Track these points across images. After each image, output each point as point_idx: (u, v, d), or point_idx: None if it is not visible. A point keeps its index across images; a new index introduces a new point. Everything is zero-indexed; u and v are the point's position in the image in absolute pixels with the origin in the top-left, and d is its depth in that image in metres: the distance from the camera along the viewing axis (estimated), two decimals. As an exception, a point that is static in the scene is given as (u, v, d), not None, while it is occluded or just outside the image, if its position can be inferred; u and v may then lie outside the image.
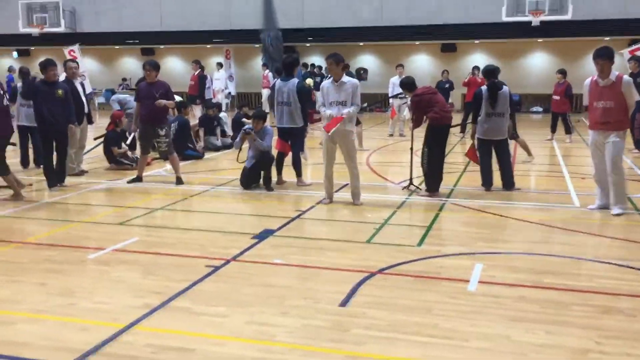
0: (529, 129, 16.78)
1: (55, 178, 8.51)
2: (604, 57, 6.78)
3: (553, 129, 14.45)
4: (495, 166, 8.39)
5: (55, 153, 8.63)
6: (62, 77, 9.54)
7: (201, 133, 12.59)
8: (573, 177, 9.34)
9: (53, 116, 8.32)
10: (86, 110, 9.91)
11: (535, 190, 8.67)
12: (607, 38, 20.67)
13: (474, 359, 3.50)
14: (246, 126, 8.89)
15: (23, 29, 25.43)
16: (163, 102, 8.62)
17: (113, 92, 13.63)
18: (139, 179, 9.06)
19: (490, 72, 8.41)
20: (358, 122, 8.92)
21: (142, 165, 9.19)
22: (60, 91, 8.45)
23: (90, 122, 10.26)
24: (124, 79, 26.86)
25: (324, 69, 23.00)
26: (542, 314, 4.12)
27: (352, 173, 7.47)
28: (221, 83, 20.97)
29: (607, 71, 6.80)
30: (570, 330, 3.87)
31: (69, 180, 8.95)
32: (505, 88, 8.30)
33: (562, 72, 14.27)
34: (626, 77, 6.89)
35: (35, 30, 25.52)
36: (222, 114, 13.80)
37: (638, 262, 5.21)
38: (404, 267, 5.11)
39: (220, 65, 21.64)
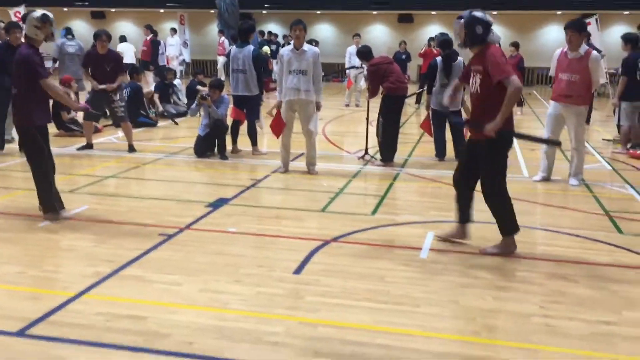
0: (482, 101, 17.05)
1: None
2: (572, 28, 6.80)
3: (505, 101, 14.70)
4: (448, 136, 8.52)
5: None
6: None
7: (156, 99, 12.32)
8: (523, 148, 9.56)
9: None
10: None
11: (487, 161, 8.84)
12: (559, 12, 21.05)
13: (424, 323, 3.60)
14: (203, 92, 8.74)
15: (-36, -12, 24.16)
16: (113, 86, 8.44)
17: (68, 32, 12.65)
18: (89, 145, 8.83)
19: (445, 43, 8.47)
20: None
21: (89, 130, 8.93)
22: None
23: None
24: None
25: (280, 36, 22.76)
26: (490, 280, 4.26)
27: (308, 143, 7.47)
28: (175, 49, 20.40)
29: (575, 42, 6.80)
30: (516, 295, 4.02)
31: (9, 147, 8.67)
32: (459, 59, 8.38)
33: (515, 45, 14.48)
34: (595, 53, 6.92)
35: (-23, -11, 24.28)
36: (177, 81, 13.51)
37: (583, 231, 5.42)
38: (357, 236, 5.18)
39: (174, 30, 21.04)
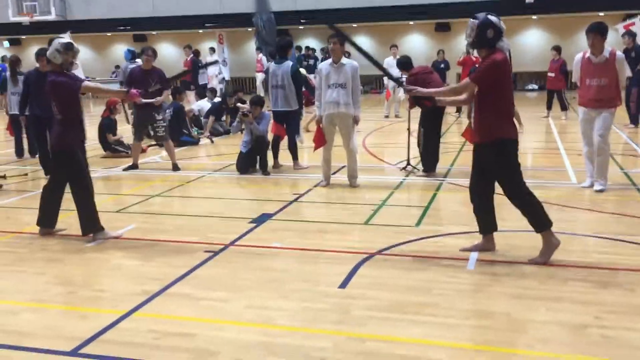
0: (525, 107, 16.74)
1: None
2: (595, 31, 6.65)
3: (549, 106, 14.44)
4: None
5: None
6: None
7: (211, 121, 12.44)
8: (569, 153, 9.34)
9: (43, 106, 8.18)
10: None
11: (532, 168, 8.65)
12: (602, 13, 20.57)
13: (476, 337, 3.52)
14: (244, 109, 8.84)
15: (13, 18, 25.17)
16: (160, 99, 8.60)
17: (134, 55, 13.44)
18: (134, 166, 9.02)
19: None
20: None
21: (137, 151, 9.14)
22: None
23: None
24: (117, 67, 26.62)
25: (317, 51, 22.89)
26: (542, 291, 4.14)
27: (349, 155, 7.45)
28: (215, 68, 20.80)
29: (598, 46, 6.68)
30: (569, 306, 3.89)
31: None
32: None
33: (557, 49, 14.23)
34: (619, 52, 6.82)
35: (25, 19, 25.26)
36: (217, 99, 13.73)
37: (634, 237, 5.23)
38: (402, 248, 5.12)
39: (212, 50, 21.45)
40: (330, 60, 7.29)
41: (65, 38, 5.56)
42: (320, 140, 7.40)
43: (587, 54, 6.84)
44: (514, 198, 4.70)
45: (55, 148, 5.57)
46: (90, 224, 5.52)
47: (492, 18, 4.50)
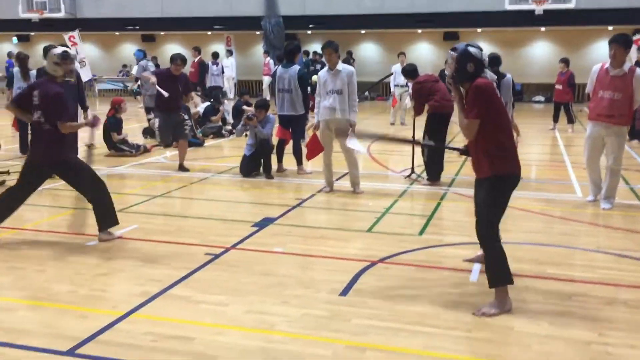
0: (531, 119, 16.72)
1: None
2: (618, 43, 6.44)
3: (555, 119, 14.38)
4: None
5: None
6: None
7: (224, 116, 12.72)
8: (575, 166, 9.28)
9: None
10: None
11: (538, 180, 8.62)
12: (611, 27, 20.52)
13: (477, 349, 3.47)
14: (249, 113, 8.83)
15: (23, 14, 25.27)
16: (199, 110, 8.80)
17: (145, 54, 13.99)
18: (182, 167, 8.93)
19: (493, 60, 8.31)
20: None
21: (183, 152, 9.01)
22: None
23: (83, 108, 10.17)
24: (124, 66, 26.70)
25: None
26: (546, 305, 4.09)
27: (349, 161, 7.42)
28: (231, 71, 21.01)
29: (620, 58, 6.47)
30: (573, 321, 3.84)
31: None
32: (508, 76, 8.22)
33: (565, 61, 14.18)
34: (639, 70, 6.56)
35: (35, 16, 25.35)
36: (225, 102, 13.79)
37: (641, 253, 5.17)
38: (405, 257, 5.07)
39: (230, 52, 21.71)
40: (327, 67, 7.31)
41: (58, 48, 5.47)
42: (315, 148, 7.36)
43: (606, 65, 6.62)
44: (485, 238, 4.07)
45: (53, 160, 5.37)
46: (110, 219, 5.50)
47: (472, 50, 4.01)
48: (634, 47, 13.01)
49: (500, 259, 4.00)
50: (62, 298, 4.19)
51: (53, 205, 6.94)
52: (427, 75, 8.36)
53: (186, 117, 9.03)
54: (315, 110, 7.47)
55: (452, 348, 3.48)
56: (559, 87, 14.16)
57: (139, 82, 12.32)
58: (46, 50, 8.43)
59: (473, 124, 3.95)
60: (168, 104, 8.77)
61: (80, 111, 8.94)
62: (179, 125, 8.89)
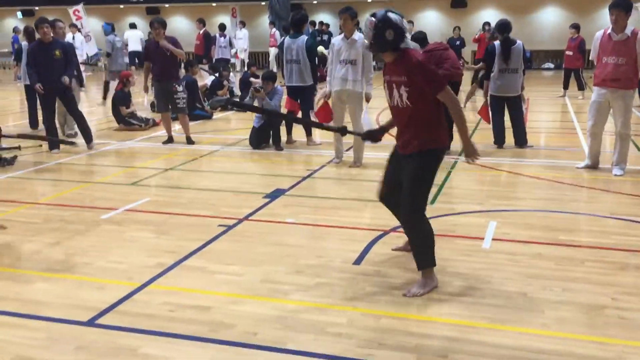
0: (541, 86, 16.55)
1: (56, 140, 8.19)
2: (619, 7, 6.42)
3: (565, 86, 14.23)
4: (507, 123, 8.29)
5: (67, 115, 8.58)
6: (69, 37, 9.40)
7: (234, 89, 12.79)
8: (585, 133, 9.20)
9: (51, 77, 8.04)
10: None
11: (548, 147, 8.57)
12: (622, -9, 20.16)
13: (490, 315, 3.50)
14: (256, 84, 8.79)
15: (27, -11, 25.12)
16: (169, 46, 8.50)
17: (112, 28, 14.23)
18: (170, 139, 8.95)
19: (504, 27, 8.22)
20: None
21: (168, 124, 9.01)
22: (57, 51, 8.13)
23: (80, 84, 10.10)
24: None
25: (332, 26, 22.65)
26: (558, 271, 4.11)
27: (356, 140, 7.34)
28: (244, 42, 20.80)
29: (622, 23, 6.46)
30: (586, 286, 3.86)
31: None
32: (519, 43, 8.14)
33: (576, 27, 13.97)
34: None
35: (38, -10, 25.19)
36: (231, 74, 13.70)
37: (654, 219, 5.17)
38: (417, 226, 5.08)
39: (242, 23, 21.49)
40: (343, 35, 7.18)
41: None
42: (325, 117, 7.25)
43: (608, 31, 6.63)
44: (409, 220, 3.90)
45: None
46: None
47: (392, 16, 3.67)
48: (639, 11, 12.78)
49: (430, 239, 3.85)
50: (78, 270, 4.24)
51: (64, 179, 6.99)
52: (437, 43, 8.25)
53: (180, 89, 8.71)
54: (328, 78, 7.37)
55: (466, 314, 3.51)
56: (569, 53, 13.98)
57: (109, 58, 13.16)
58: (34, 25, 8.37)
59: (449, 90, 3.75)
60: (161, 73, 8.61)
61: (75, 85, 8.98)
62: (170, 96, 8.69)
